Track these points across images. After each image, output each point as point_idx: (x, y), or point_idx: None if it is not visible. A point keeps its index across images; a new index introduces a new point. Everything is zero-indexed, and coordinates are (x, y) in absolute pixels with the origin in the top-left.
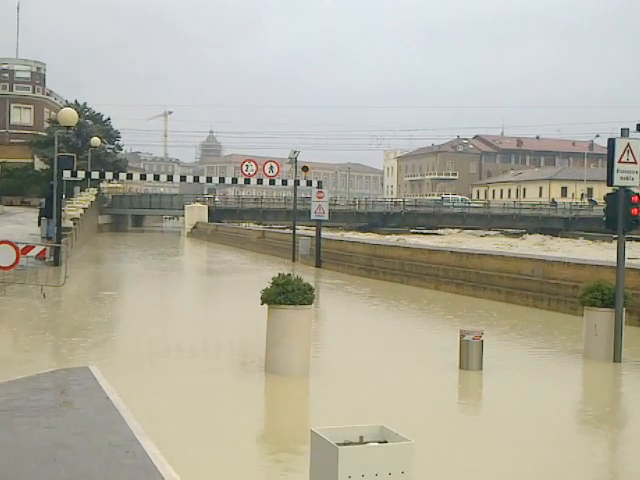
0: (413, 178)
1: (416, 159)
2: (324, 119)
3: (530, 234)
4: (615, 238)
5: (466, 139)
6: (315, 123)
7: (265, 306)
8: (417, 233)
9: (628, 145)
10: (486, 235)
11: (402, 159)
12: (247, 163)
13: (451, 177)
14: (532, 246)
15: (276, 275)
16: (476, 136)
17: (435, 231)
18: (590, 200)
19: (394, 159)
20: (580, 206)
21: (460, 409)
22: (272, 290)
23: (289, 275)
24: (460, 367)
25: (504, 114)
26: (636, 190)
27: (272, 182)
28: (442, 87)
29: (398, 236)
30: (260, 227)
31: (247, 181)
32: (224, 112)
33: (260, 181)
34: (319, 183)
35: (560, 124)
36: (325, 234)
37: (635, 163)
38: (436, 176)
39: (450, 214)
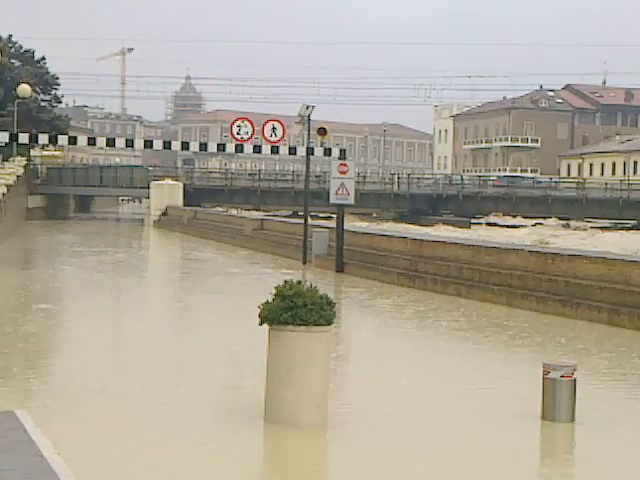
0: (475, 146)
1: (480, 118)
2: (348, 61)
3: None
4: None
5: (552, 90)
6: (336, 66)
7: (265, 328)
8: (489, 224)
9: None
10: (583, 227)
11: (460, 118)
12: (239, 123)
13: (530, 145)
14: None
15: (281, 283)
16: (567, 86)
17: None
18: None
19: (449, 118)
20: None
21: None
22: (276, 305)
23: (299, 283)
24: (543, 417)
25: (607, 54)
26: None
27: (275, 150)
28: (516, 15)
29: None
30: (258, 214)
31: (239, 148)
32: (206, 49)
33: (258, 148)
34: (342, 152)
35: None
36: (350, 225)
37: None
38: (508, 143)
39: (528, 198)
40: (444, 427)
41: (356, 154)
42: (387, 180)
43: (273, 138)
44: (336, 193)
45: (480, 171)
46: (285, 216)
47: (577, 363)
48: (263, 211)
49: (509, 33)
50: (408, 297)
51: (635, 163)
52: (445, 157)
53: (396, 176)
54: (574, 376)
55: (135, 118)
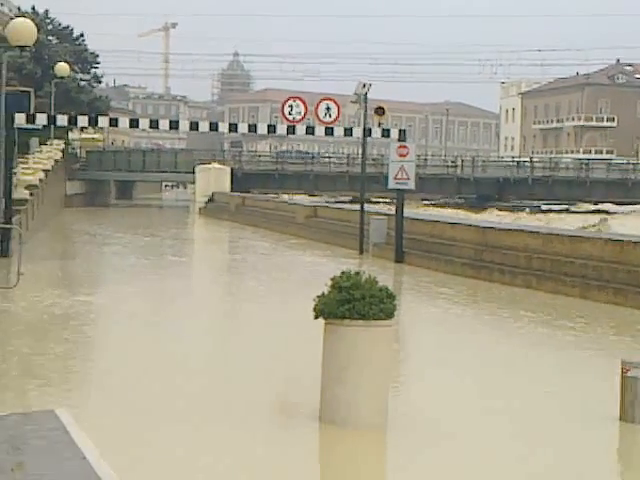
0: (546, 126)
1: (551, 96)
2: (408, 37)
3: None
4: None
5: (631, 65)
6: (394, 42)
7: (320, 322)
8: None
9: None
10: None
11: (529, 96)
12: (291, 102)
13: (605, 124)
14: None
15: (337, 274)
16: None
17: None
18: None
19: (516, 96)
20: None
21: None
22: (332, 297)
23: (357, 274)
24: (621, 419)
25: None
26: None
27: (329, 131)
28: None
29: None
30: (311, 201)
31: (291, 130)
32: (255, 25)
33: (311, 130)
34: (401, 133)
35: None
36: (410, 212)
37: None
38: (582, 122)
39: (603, 181)
40: (514, 428)
41: (416, 135)
42: (450, 163)
43: (327, 119)
44: (395, 177)
45: (551, 152)
46: (341, 202)
47: None
48: (317, 197)
49: (583, 2)
50: (473, 289)
51: None
52: (513, 138)
53: (460, 159)
54: None
55: (179, 98)
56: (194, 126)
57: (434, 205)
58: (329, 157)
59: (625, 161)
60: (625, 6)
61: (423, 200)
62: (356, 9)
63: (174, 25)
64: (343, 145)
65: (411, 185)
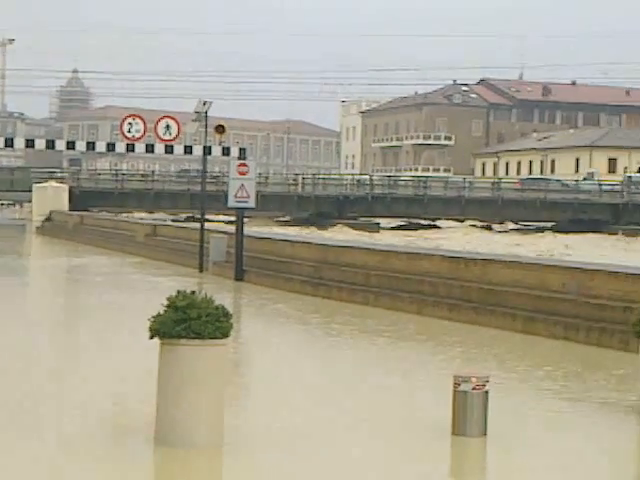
0: (385, 144)
1: (390, 115)
2: (250, 53)
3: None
4: None
5: (467, 85)
6: (236, 60)
7: (156, 342)
8: (400, 228)
9: None
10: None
11: (369, 115)
12: (130, 120)
13: (443, 142)
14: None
15: (174, 293)
16: (482, 80)
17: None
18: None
19: (357, 115)
20: (637, 187)
21: None
22: (167, 316)
23: (194, 293)
24: (453, 432)
25: (524, 48)
26: None
27: (169, 149)
28: (427, 6)
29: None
30: (151, 219)
31: (131, 147)
32: (95, 41)
33: (151, 148)
34: (241, 151)
35: (608, 63)
36: (250, 230)
37: None
38: (420, 141)
39: (441, 199)
40: (346, 445)
41: (257, 153)
42: (291, 181)
43: (167, 136)
44: (235, 195)
45: (390, 171)
46: (182, 220)
47: (490, 374)
48: (158, 214)
49: (421, 25)
50: (312, 306)
51: (553, 162)
52: (353, 156)
53: (300, 176)
54: (486, 387)
55: (16, 115)
56: (30, 143)
57: (285, 223)
58: (171, 177)
59: (461, 179)
60: (461, 28)
61: (274, 218)
62: (196, 26)
63: (11, 41)
64: (184, 163)
65: (251, 203)
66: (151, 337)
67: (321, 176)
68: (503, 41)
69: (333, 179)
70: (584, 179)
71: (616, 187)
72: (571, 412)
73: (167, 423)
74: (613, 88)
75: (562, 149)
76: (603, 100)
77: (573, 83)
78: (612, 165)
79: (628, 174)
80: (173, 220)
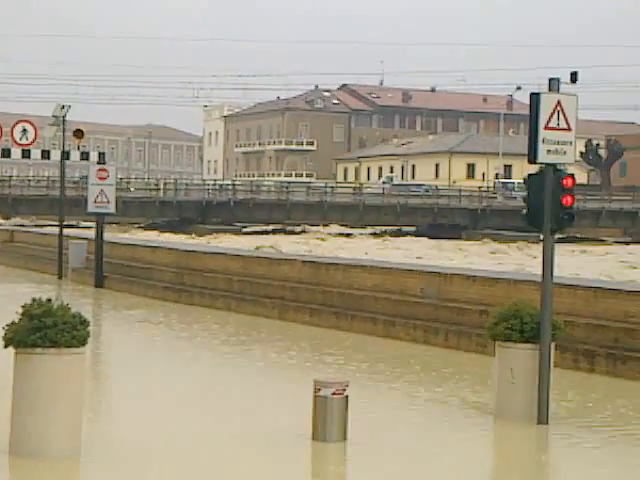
0: (248, 149)
1: (253, 120)
2: (110, 57)
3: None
4: (542, 240)
5: (328, 90)
6: (94, 62)
7: (11, 351)
8: (255, 232)
9: (559, 103)
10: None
11: (231, 120)
12: None
13: (305, 147)
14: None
15: (30, 301)
16: (343, 86)
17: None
18: (507, 183)
19: (219, 120)
20: (494, 192)
21: None
22: (22, 325)
23: (49, 301)
24: (314, 438)
25: (385, 53)
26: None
27: (26, 154)
28: (291, 10)
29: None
30: (8, 224)
31: None
32: None
33: (7, 152)
34: (101, 155)
35: (466, 70)
36: (111, 236)
37: (569, 130)
38: (283, 146)
39: (303, 204)
40: (207, 453)
41: (119, 158)
42: (153, 186)
43: (24, 141)
44: (95, 201)
45: (253, 175)
46: (40, 226)
47: (350, 379)
48: (15, 220)
49: (282, 31)
50: (174, 313)
51: (413, 167)
52: (216, 161)
53: (162, 182)
54: (346, 393)
55: None
56: None
57: (144, 228)
58: (29, 180)
59: (323, 184)
60: (322, 33)
61: (135, 224)
62: (52, 29)
63: None
64: (43, 168)
65: (111, 209)
66: (5, 346)
67: (183, 181)
68: (363, 47)
69: (196, 184)
70: (383, 182)
71: (474, 193)
72: (430, 414)
73: (23, 433)
74: (471, 95)
75: (422, 155)
76: (461, 107)
77: (433, 90)
78: (470, 170)
79: (501, 180)
80: (36, 225)
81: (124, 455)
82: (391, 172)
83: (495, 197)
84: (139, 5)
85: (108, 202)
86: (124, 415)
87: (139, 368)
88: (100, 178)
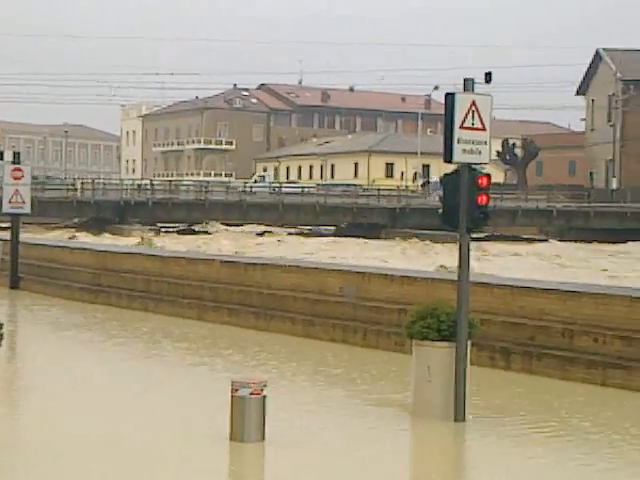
0: (167, 148)
1: (171, 119)
2: (24, 55)
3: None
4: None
5: (247, 90)
6: (10, 60)
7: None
8: (180, 232)
9: (473, 103)
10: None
11: (149, 119)
12: None
13: (224, 147)
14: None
15: None
16: (262, 85)
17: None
18: (426, 182)
19: (137, 119)
20: (412, 191)
21: None
22: None
23: None
24: (231, 438)
25: (302, 52)
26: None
27: None
28: (211, 10)
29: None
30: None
31: None
32: None
33: None
34: (16, 155)
35: (384, 70)
36: (27, 236)
37: (483, 130)
38: (202, 145)
39: (222, 203)
40: (120, 456)
41: (35, 157)
42: (70, 186)
43: None
44: (10, 201)
45: (172, 175)
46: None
47: (268, 379)
48: None
49: (200, 30)
50: (90, 314)
51: (333, 166)
52: (134, 160)
53: (79, 181)
54: (264, 393)
55: None
56: None
57: (57, 227)
58: None
59: (242, 183)
60: (240, 32)
61: (52, 224)
62: None
63: None
64: None
65: (27, 209)
66: None
67: (101, 180)
68: (282, 46)
69: (114, 184)
70: (255, 181)
71: (393, 192)
72: (348, 413)
73: None
74: (389, 94)
75: (341, 154)
76: (380, 106)
77: (351, 89)
78: (389, 170)
79: (428, 179)
80: None
81: (41, 458)
82: (310, 173)
83: (415, 196)
84: (60, 3)
85: (23, 202)
86: (39, 414)
87: (54, 366)
88: (15, 178)
